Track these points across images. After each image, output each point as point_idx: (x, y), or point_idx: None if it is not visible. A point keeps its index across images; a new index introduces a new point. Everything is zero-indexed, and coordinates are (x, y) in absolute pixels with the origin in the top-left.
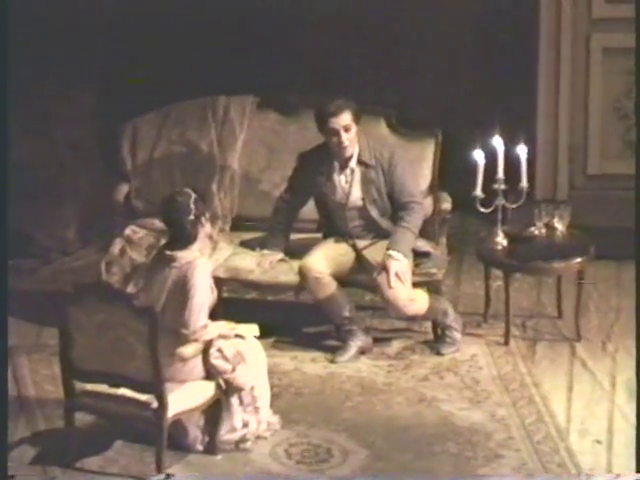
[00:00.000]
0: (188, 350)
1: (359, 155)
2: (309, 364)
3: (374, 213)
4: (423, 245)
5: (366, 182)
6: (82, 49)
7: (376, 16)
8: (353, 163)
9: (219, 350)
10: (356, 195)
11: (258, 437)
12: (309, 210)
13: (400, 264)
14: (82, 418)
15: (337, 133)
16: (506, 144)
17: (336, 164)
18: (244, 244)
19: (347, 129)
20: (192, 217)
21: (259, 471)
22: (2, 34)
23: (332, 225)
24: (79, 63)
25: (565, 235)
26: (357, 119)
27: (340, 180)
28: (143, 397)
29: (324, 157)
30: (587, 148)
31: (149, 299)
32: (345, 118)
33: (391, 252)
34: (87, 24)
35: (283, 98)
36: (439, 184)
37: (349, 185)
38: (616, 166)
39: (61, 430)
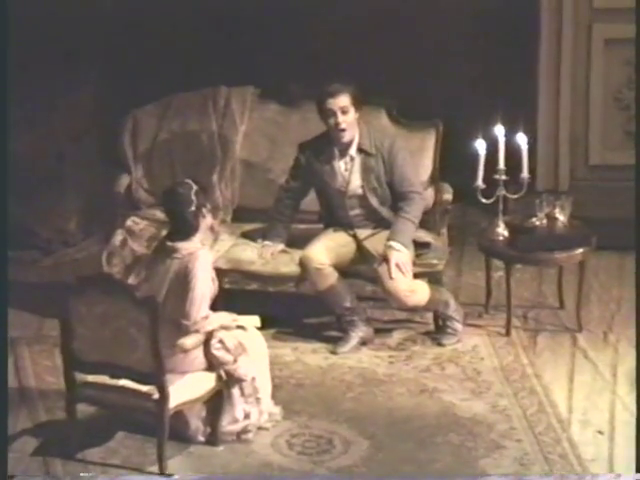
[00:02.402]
0: (189, 341)
1: (359, 143)
2: (310, 355)
3: (374, 202)
4: (424, 236)
5: (366, 170)
6: (83, 40)
7: (377, 7)
8: (353, 151)
9: (220, 341)
10: (356, 183)
11: (260, 428)
12: (310, 201)
13: (401, 255)
14: (83, 409)
15: (334, 114)
16: (507, 135)
17: (336, 151)
18: (245, 235)
19: (344, 111)
20: (193, 208)
21: (261, 462)
22: (3, 25)
23: (333, 215)
24: (79, 54)
25: (566, 226)
26: (357, 103)
27: (340, 167)
28: (144, 388)
29: (324, 145)
30: (588, 139)
31: (150, 290)
32: (343, 100)
33: (392, 243)
34: (88, 15)
35: (284, 89)
36: (440, 175)
37: (349, 173)
38: (617, 157)
39: (62, 421)
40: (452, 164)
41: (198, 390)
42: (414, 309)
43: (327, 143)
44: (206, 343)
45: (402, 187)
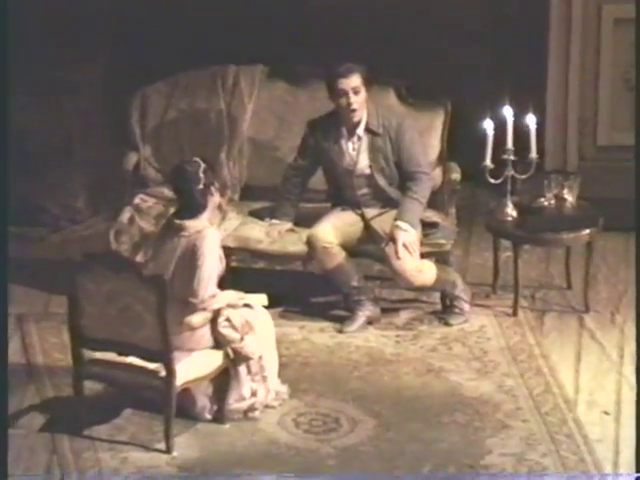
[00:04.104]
0: (196, 319)
1: (367, 123)
2: (317, 334)
3: (381, 182)
4: (432, 216)
5: (373, 150)
6: (91, 17)
7: None
8: (361, 130)
9: (227, 319)
10: (363, 162)
11: (266, 406)
12: (318, 180)
13: (408, 235)
14: (91, 386)
15: (346, 94)
16: (516, 115)
17: (344, 130)
18: (253, 214)
19: (356, 91)
20: (201, 186)
21: (267, 440)
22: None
23: (340, 194)
24: (88, 31)
25: (574, 206)
26: (367, 84)
27: (348, 147)
28: (152, 366)
29: (332, 124)
30: (597, 119)
31: (158, 268)
32: (354, 80)
33: (399, 223)
34: None
35: (293, 68)
36: (448, 154)
37: (357, 152)
38: (625, 137)
39: (70, 398)
40: (460, 144)
41: (205, 368)
42: (421, 289)
43: (335, 122)
44: (213, 321)
45: (410, 167)
